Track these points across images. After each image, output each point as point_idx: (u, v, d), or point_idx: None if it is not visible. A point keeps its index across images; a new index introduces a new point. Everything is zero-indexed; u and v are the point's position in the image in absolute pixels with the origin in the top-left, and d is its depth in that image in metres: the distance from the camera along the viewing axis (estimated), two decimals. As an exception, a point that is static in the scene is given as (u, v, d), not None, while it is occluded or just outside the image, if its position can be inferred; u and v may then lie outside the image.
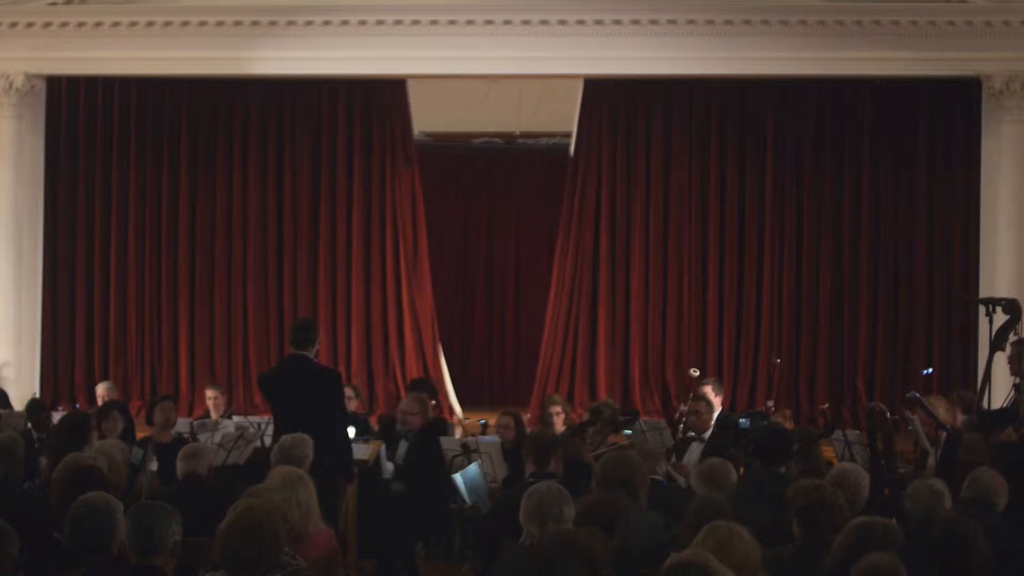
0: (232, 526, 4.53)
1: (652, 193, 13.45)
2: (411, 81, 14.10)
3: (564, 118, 14.92)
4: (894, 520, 5.07)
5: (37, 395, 12.27)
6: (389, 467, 8.88)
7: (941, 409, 8.67)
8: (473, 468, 8.36)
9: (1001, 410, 8.64)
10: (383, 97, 13.64)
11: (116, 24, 12.54)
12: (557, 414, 9.89)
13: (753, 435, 7.76)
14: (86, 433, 7.47)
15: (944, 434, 8.35)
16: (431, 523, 8.79)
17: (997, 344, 8.88)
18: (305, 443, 6.70)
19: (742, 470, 7.67)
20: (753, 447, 7.20)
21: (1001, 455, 6.75)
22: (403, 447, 9.10)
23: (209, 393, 11.40)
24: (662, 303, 13.52)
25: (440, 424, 10.16)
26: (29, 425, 9.66)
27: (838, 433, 8.93)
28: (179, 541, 4.73)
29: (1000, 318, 9.49)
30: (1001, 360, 9.21)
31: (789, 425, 9.47)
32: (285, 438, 6.77)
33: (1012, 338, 9.01)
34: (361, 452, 8.48)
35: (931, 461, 8.14)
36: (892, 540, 4.77)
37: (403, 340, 13.70)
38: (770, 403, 10.64)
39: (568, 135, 15.27)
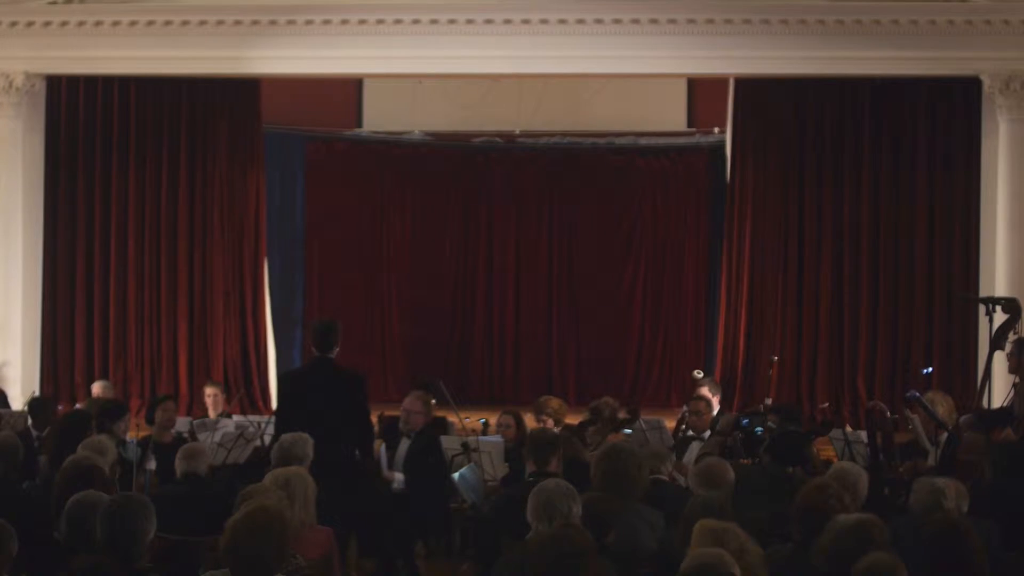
0: (241, 524, 4.50)
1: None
2: (411, 81, 14.14)
3: (564, 117, 14.97)
4: (887, 520, 5.05)
5: (37, 394, 12.24)
6: (399, 477, 8.86)
7: (941, 408, 8.66)
8: (467, 469, 8.35)
9: (1000, 409, 8.63)
10: (236, 96, 13.57)
11: (116, 24, 12.54)
12: (543, 422, 9.81)
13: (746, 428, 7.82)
14: (85, 432, 7.48)
15: (945, 434, 8.35)
16: (431, 523, 8.78)
17: (997, 343, 8.86)
18: (305, 442, 6.70)
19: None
20: (768, 444, 7.23)
21: (1000, 455, 6.74)
22: (404, 446, 9.10)
23: (208, 391, 11.42)
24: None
25: (440, 424, 10.15)
26: (29, 423, 9.67)
27: (837, 432, 8.92)
28: (153, 537, 4.70)
29: (1000, 318, 9.48)
30: (1001, 359, 9.20)
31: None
32: (285, 437, 6.78)
33: (1012, 337, 8.99)
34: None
35: (931, 460, 8.14)
36: (879, 539, 4.75)
37: (230, 339, 13.64)
38: (768, 400, 10.61)
39: (568, 134, 15.33)
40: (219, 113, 13.61)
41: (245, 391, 13.18)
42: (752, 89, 13.22)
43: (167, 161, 13.58)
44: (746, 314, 13.25)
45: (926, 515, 5.49)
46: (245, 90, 13.58)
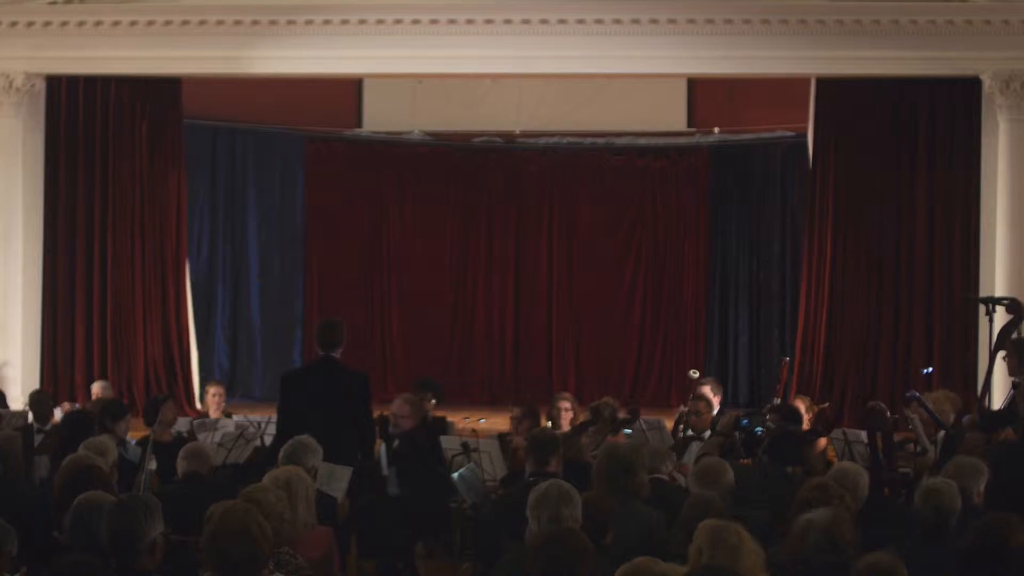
0: (216, 531, 4.48)
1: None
2: (411, 81, 14.15)
3: (564, 117, 14.98)
4: (886, 521, 5.05)
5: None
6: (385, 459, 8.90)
7: (948, 404, 8.69)
8: (466, 469, 8.35)
9: (1002, 410, 8.63)
10: (160, 96, 13.51)
11: (116, 24, 12.55)
12: (566, 410, 9.90)
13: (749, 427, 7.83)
14: (88, 432, 7.48)
15: (943, 433, 8.37)
16: (429, 522, 8.78)
17: (1000, 344, 8.84)
18: (315, 452, 6.69)
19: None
20: (767, 445, 7.23)
21: (1000, 455, 6.74)
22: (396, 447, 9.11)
23: (212, 390, 11.37)
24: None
25: (440, 423, 10.15)
26: (31, 419, 9.68)
27: (837, 432, 8.92)
28: (158, 539, 4.69)
29: (1001, 318, 9.49)
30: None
31: None
32: (292, 441, 6.76)
33: (1014, 337, 8.99)
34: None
35: (930, 459, 8.15)
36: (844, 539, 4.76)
37: (152, 337, 13.54)
38: (776, 400, 10.58)
39: (568, 134, 15.34)
40: (141, 112, 13.51)
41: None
42: (833, 88, 12.98)
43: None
44: (827, 311, 12.99)
45: (938, 516, 5.44)
46: (167, 88, 13.49)
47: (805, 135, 13.45)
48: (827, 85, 12.98)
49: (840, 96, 12.99)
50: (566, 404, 9.94)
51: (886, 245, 12.92)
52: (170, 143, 13.62)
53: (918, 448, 8.39)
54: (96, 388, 11.67)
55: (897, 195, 12.88)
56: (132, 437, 8.70)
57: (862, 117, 12.99)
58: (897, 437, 8.43)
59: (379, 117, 15.45)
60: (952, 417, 8.77)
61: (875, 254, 12.96)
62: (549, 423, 9.71)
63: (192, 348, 13.88)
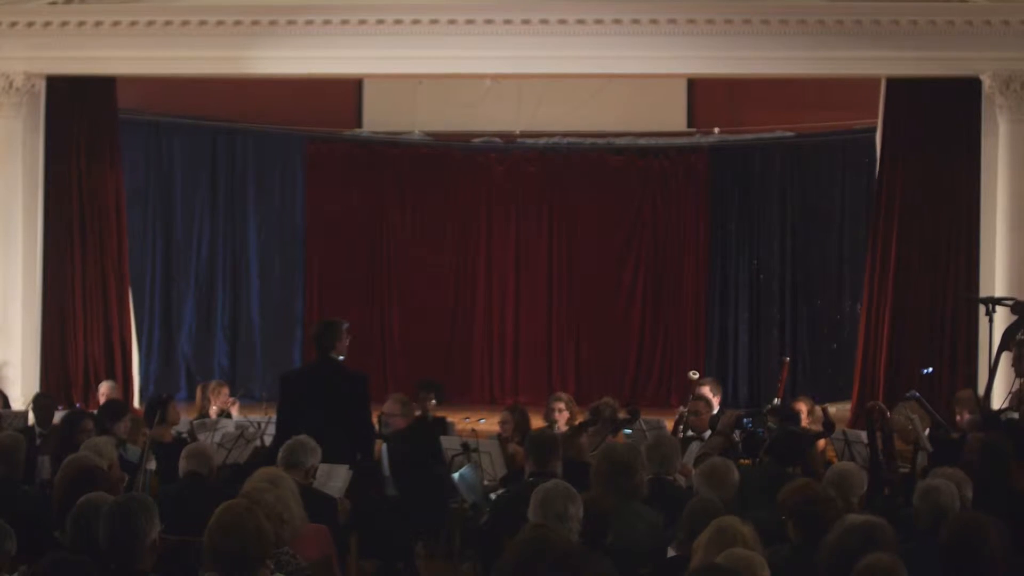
0: (216, 528, 4.50)
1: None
2: (411, 81, 14.16)
3: (564, 117, 14.99)
4: (886, 520, 5.04)
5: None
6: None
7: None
8: (466, 469, 8.36)
9: (1004, 410, 8.65)
10: (96, 96, 13.39)
11: (116, 24, 12.54)
12: (560, 411, 9.91)
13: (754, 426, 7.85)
14: (88, 433, 7.48)
15: (928, 432, 8.42)
16: (429, 522, 8.79)
17: (1005, 345, 8.85)
18: (314, 451, 6.69)
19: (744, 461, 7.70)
20: (769, 445, 7.24)
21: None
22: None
23: (224, 391, 11.36)
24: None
25: (440, 423, 10.16)
26: (32, 421, 9.67)
27: (837, 432, 8.94)
28: (156, 538, 4.69)
29: (1001, 319, 9.50)
30: (1006, 360, 9.20)
31: None
32: (290, 441, 6.76)
33: (1019, 338, 9.00)
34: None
35: (922, 459, 8.19)
36: (885, 541, 4.75)
37: (93, 339, 13.39)
38: (776, 400, 10.59)
39: (568, 134, 15.35)
40: (79, 112, 13.39)
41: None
42: (903, 89, 12.77)
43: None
44: (890, 314, 12.77)
45: (937, 516, 5.45)
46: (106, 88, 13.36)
47: (805, 135, 13.44)
48: (897, 85, 12.74)
49: (910, 96, 12.75)
50: (560, 404, 9.94)
51: (939, 242, 12.78)
52: (107, 142, 13.44)
53: (919, 449, 8.41)
54: (104, 388, 11.68)
55: (954, 193, 12.71)
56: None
57: (931, 116, 12.74)
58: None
59: (379, 117, 15.46)
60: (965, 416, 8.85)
61: (930, 252, 12.77)
62: (553, 426, 9.71)
63: (133, 349, 13.65)
